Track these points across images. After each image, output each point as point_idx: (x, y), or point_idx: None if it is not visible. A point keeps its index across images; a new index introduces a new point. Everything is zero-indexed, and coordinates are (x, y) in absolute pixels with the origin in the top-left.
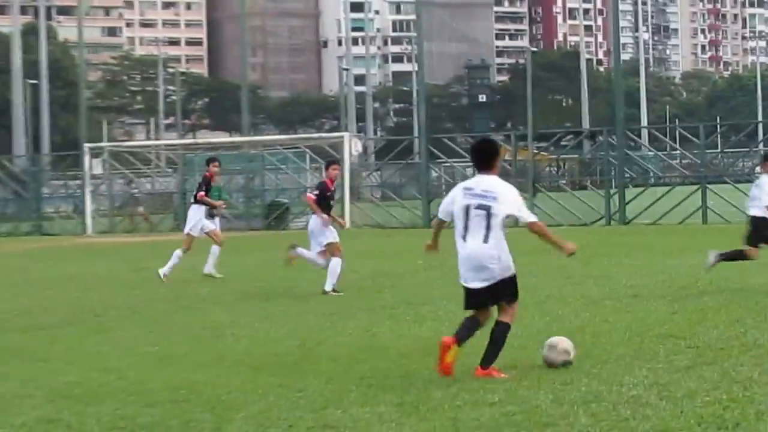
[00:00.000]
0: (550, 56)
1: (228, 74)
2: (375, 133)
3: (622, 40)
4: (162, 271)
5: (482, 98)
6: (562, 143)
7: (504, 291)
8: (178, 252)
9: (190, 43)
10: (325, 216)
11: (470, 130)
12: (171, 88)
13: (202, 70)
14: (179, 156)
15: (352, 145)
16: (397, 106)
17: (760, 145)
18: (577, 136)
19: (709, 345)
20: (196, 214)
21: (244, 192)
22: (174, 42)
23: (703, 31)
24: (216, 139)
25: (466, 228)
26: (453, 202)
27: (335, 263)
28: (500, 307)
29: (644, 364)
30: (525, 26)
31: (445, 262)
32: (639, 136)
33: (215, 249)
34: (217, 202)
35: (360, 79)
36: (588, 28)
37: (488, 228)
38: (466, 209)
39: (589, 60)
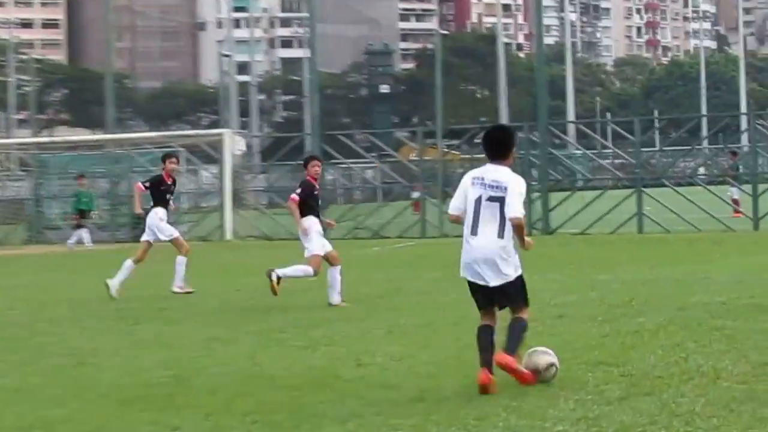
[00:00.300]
0: (462, 40)
1: (90, 62)
2: (260, 129)
3: (546, 22)
4: (175, 287)
5: (384, 89)
6: (476, 141)
7: (515, 295)
8: (180, 258)
9: (47, 25)
10: (303, 226)
11: (370, 125)
12: (24, 77)
13: (60, 56)
14: (33, 157)
15: (233, 144)
16: (286, 98)
17: (704, 143)
18: None
19: (645, 373)
20: (156, 218)
21: (109, 198)
22: (27, 24)
23: (638, 11)
24: (76, 137)
25: (476, 221)
26: (464, 193)
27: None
28: (511, 310)
29: (571, 396)
30: (434, 5)
31: (342, 278)
32: (565, 132)
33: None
34: (139, 210)
35: (243, 68)
36: (506, 7)
37: (502, 221)
38: (477, 201)
39: (507, 44)
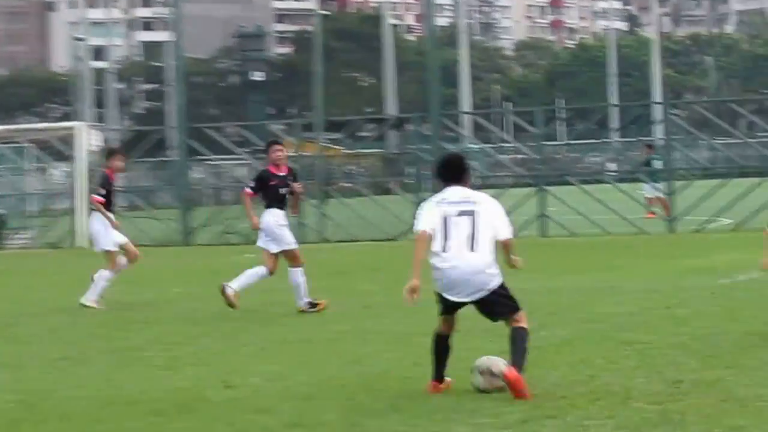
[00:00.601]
0: (345, 21)
1: None
2: (119, 122)
3: (438, 1)
4: (86, 299)
5: (258, 76)
6: (361, 134)
7: (500, 304)
8: (105, 273)
9: None
10: (254, 220)
11: (243, 117)
12: None
13: None
14: None
15: (88, 139)
16: (147, 87)
17: (614, 136)
18: (380, 124)
19: (547, 393)
20: (101, 225)
21: None
22: None
23: None
24: None
25: (446, 239)
26: (430, 213)
27: (296, 274)
28: (506, 320)
29: (466, 419)
30: None
31: (208, 291)
32: (459, 124)
33: (107, 273)
34: (114, 219)
35: (99, 53)
36: None
37: (473, 235)
38: (444, 220)
39: (395, 26)
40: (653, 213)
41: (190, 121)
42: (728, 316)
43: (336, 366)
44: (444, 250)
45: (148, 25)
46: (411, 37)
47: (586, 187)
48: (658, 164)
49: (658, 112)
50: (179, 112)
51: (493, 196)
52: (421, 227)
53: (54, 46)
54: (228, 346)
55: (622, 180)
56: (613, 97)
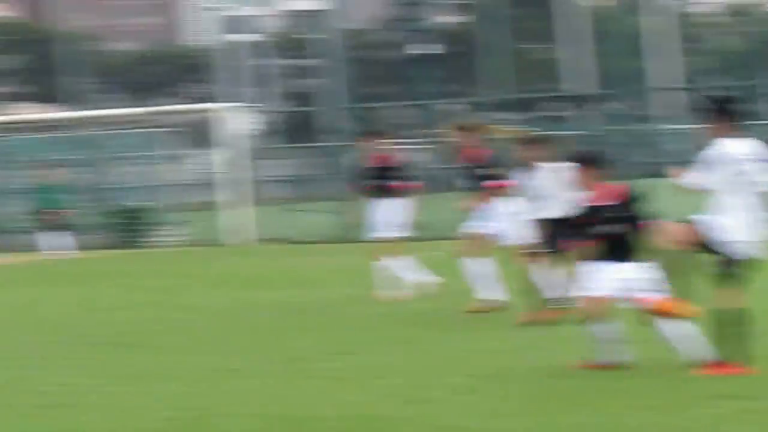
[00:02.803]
0: None
1: (46, 19)
2: (270, 101)
3: None
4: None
5: (422, 49)
6: (545, 114)
7: None
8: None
9: None
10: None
11: (404, 96)
12: None
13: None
14: None
15: (238, 121)
16: (297, 62)
17: None
18: (561, 102)
19: None
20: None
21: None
22: None
23: None
24: (33, 115)
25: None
26: None
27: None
28: None
29: None
30: None
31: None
32: (647, 101)
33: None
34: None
35: (241, 24)
36: None
37: None
38: None
39: None
40: None
41: (354, 100)
42: None
43: (536, 376)
44: None
45: None
46: (588, 2)
47: None
48: None
49: None
50: (349, 90)
51: None
52: None
53: (187, 16)
54: (406, 356)
55: None
56: None
